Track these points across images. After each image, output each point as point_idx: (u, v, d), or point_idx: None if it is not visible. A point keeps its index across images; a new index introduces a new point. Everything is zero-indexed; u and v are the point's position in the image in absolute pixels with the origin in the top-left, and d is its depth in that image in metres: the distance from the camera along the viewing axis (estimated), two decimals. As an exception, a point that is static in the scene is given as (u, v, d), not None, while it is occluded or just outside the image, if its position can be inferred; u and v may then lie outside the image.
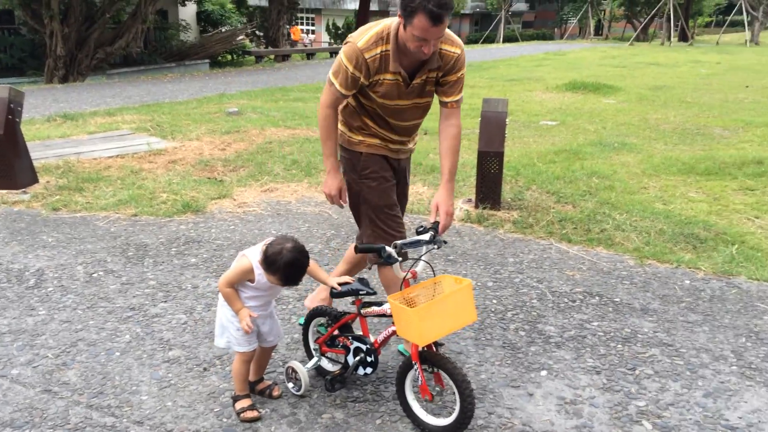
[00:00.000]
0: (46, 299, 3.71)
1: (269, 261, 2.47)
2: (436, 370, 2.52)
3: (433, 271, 2.79)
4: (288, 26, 26.06)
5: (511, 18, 43.86)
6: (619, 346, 3.25)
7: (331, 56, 24.69)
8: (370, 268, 3.36)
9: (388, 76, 2.73)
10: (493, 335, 3.35)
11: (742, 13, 35.90)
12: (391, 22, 2.71)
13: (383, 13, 42.93)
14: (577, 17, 41.80)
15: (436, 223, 2.73)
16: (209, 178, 6.23)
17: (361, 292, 2.68)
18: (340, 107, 2.93)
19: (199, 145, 7.56)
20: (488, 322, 3.48)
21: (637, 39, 36.33)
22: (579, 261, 4.33)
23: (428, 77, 2.79)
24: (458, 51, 2.77)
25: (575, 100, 11.41)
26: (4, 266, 4.18)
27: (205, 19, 22.18)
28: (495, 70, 18.21)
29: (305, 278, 2.60)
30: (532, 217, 5.09)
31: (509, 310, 3.61)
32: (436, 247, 2.65)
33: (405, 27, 2.58)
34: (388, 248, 2.55)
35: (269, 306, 2.74)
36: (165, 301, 3.71)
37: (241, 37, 22.54)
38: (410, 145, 3.09)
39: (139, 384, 2.89)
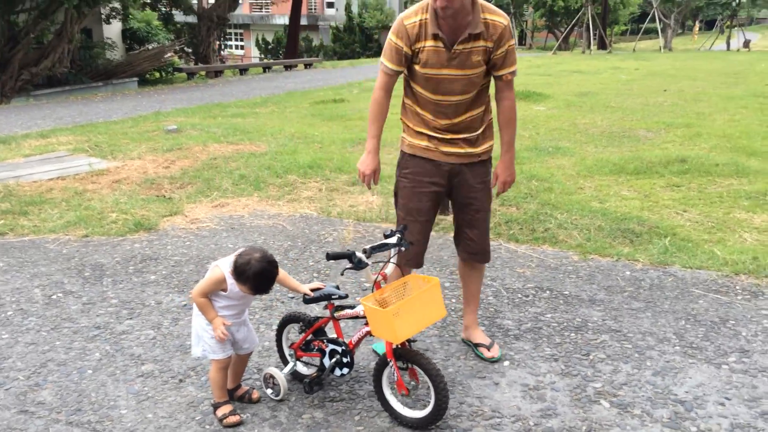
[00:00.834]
0: (7, 323, 3.66)
1: (239, 272, 2.57)
2: (410, 365, 2.66)
3: (401, 272, 2.94)
4: (218, 42, 25.84)
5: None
6: (573, 334, 3.48)
7: (265, 71, 24.61)
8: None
9: (429, 43, 2.81)
10: (456, 332, 3.53)
11: (655, 21, 37.80)
12: None
13: (313, 27, 43.08)
14: (502, 28, 42.91)
15: (403, 226, 2.88)
16: (158, 196, 6.21)
17: (333, 297, 2.81)
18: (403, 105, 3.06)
19: (142, 163, 7.50)
20: (450, 320, 3.66)
21: (560, 48, 37.71)
22: (528, 259, 4.57)
23: (474, 47, 2.81)
24: (504, 21, 2.84)
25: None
26: (-45, 293, 4.09)
27: (130, 36, 21.74)
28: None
29: (277, 287, 2.71)
30: (479, 220, 5.32)
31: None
32: (403, 249, 2.81)
33: None
34: (358, 253, 2.69)
35: (243, 314, 2.83)
36: (130, 318, 3.73)
37: (169, 54, 22.23)
38: (465, 146, 3.00)
39: (116, 399, 2.92)
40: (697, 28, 45.84)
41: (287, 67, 25.17)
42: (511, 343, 3.40)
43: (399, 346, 2.63)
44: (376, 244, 2.76)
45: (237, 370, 2.91)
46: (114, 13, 19.76)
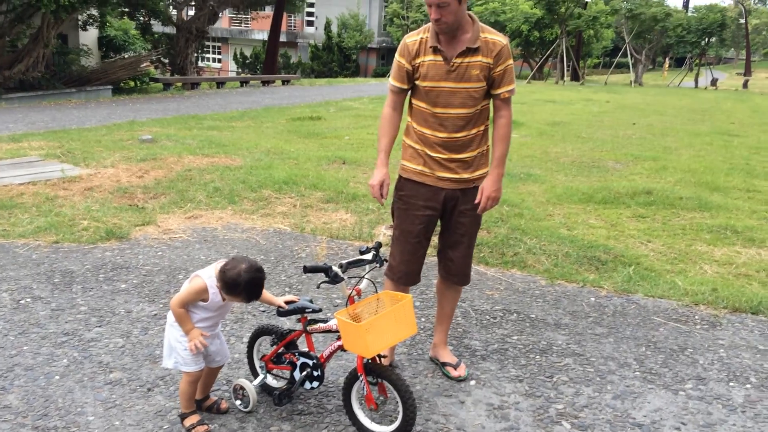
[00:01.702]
0: (-27, 326, 3.63)
1: (230, 285, 2.60)
2: (380, 380, 2.72)
3: (375, 288, 3.00)
4: (196, 54, 25.83)
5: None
6: (538, 356, 3.57)
7: (242, 85, 24.63)
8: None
9: (428, 57, 2.96)
10: (424, 350, 3.60)
11: (627, 56, 38.78)
12: None
13: (291, 44, 43.26)
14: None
15: (378, 243, 2.95)
16: (130, 205, 6.19)
17: (307, 310, 2.86)
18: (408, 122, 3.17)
19: (115, 172, 7.47)
20: (419, 339, 3.72)
21: (534, 77, 38.45)
22: (496, 282, 4.67)
23: (472, 61, 2.93)
24: (503, 41, 2.98)
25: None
26: None
27: (107, 44, 21.60)
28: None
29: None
30: (450, 242, 5.42)
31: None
32: (377, 265, 2.88)
33: None
34: (334, 268, 2.75)
35: (217, 327, 2.86)
36: (100, 326, 3.72)
37: (145, 64, 22.14)
38: (460, 171, 3.07)
39: (83, 405, 2.92)
40: (667, 65, 47.13)
41: (265, 83, 25.22)
42: (477, 363, 3.47)
43: (370, 360, 2.68)
44: (352, 259, 2.82)
45: (207, 381, 2.93)
46: (91, 20, 19.63)
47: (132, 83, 21.85)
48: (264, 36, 37.31)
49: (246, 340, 3.58)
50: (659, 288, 4.58)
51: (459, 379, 3.27)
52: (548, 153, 10.26)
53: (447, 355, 3.38)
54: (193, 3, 25.23)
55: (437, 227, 3.27)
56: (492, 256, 5.15)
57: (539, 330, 3.90)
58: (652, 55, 44.99)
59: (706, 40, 40.23)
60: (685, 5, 54.51)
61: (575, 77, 38.56)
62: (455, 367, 3.31)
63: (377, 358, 2.70)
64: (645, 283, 4.67)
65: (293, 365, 2.91)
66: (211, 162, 8.16)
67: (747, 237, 5.80)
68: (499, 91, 3.03)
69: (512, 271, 4.89)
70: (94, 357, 3.36)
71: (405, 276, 3.22)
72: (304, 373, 2.86)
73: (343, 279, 2.75)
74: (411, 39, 3.01)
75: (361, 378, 2.70)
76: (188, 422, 2.77)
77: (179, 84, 22.09)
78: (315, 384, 2.87)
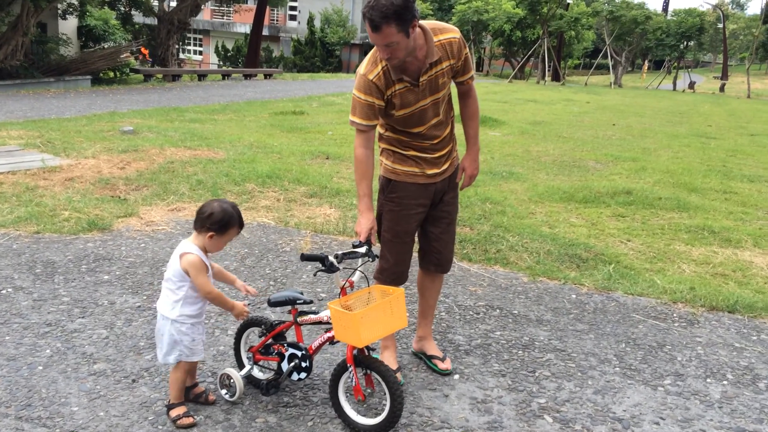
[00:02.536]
0: (-47, 316, 3.59)
1: (224, 222, 2.69)
2: (368, 372, 2.75)
3: (368, 281, 3.02)
4: (177, 45, 25.58)
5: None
6: (520, 352, 3.62)
7: (224, 78, 24.47)
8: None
9: (398, 86, 2.88)
10: (408, 345, 3.63)
11: (607, 58, 39.15)
12: None
13: (274, 38, 43.03)
14: (461, 53, 43.74)
15: (369, 241, 2.95)
16: (112, 197, 6.14)
17: (298, 301, 2.88)
18: (380, 145, 3.12)
19: (96, 162, 7.40)
20: (403, 333, 3.75)
21: (515, 77, 38.67)
22: (480, 278, 4.71)
23: (438, 71, 2.90)
24: (456, 35, 2.92)
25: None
26: None
27: (86, 34, 21.32)
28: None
29: (227, 288, 2.76)
30: (434, 238, 5.45)
31: (421, 322, 3.90)
32: (369, 259, 2.89)
33: None
34: (330, 257, 2.76)
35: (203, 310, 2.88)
36: (83, 317, 3.69)
37: (125, 55, 21.89)
38: (444, 163, 3.12)
39: (67, 396, 2.91)
40: (646, 67, 47.68)
41: (247, 76, 25.09)
42: (461, 357, 3.51)
43: (358, 352, 2.71)
44: (346, 250, 2.84)
45: (194, 365, 2.92)
46: (71, 9, 19.38)
47: (112, 74, 21.62)
48: (246, 29, 37.10)
49: (231, 332, 3.59)
50: (639, 286, 4.65)
51: (446, 372, 3.30)
52: (530, 152, 10.34)
53: (434, 348, 3.41)
54: (175, -6, 25.01)
55: None
56: (475, 252, 5.19)
57: (522, 326, 3.95)
58: (631, 57, 45.50)
59: (685, 43, 40.77)
60: (665, 9, 55.19)
61: (556, 77, 38.86)
62: (442, 360, 3.34)
63: (365, 350, 2.73)
64: (625, 281, 4.75)
65: (281, 356, 2.93)
66: (194, 155, 8.11)
67: (724, 237, 5.91)
68: (463, 78, 3.07)
69: (495, 268, 4.94)
70: (77, 348, 3.34)
71: (400, 276, 3.22)
72: (292, 364, 2.88)
73: (338, 269, 2.77)
74: (373, 74, 2.84)
75: (350, 369, 2.72)
76: (174, 413, 2.77)
77: (160, 76, 21.89)
78: (303, 375, 2.89)
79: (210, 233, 2.69)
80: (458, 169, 3.24)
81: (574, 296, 4.47)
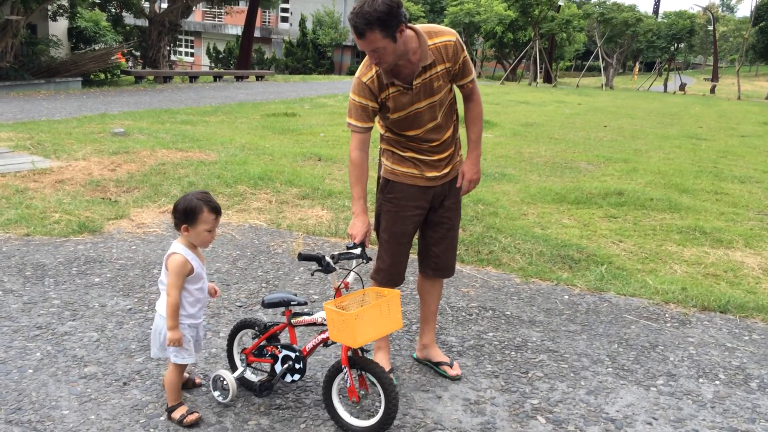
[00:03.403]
0: (-58, 319, 3.55)
1: (188, 209, 2.67)
2: (362, 373, 2.74)
3: (362, 283, 3.01)
4: (168, 47, 25.47)
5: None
6: (513, 353, 3.62)
7: (215, 80, 24.41)
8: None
9: (392, 89, 2.88)
10: (402, 346, 3.62)
11: (598, 59, 39.31)
12: None
13: (266, 40, 42.97)
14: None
15: (363, 243, 2.94)
16: (103, 199, 6.11)
17: (292, 303, 2.86)
18: (380, 146, 3.12)
19: (86, 165, 7.35)
20: (396, 335, 3.74)
21: (507, 79, 38.76)
22: (472, 279, 4.71)
23: (432, 74, 2.89)
24: (452, 38, 2.89)
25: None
26: None
27: (77, 35, 21.23)
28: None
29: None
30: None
31: (414, 324, 3.90)
32: (364, 261, 2.89)
33: None
34: (327, 258, 2.75)
35: (203, 310, 2.86)
36: (73, 320, 3.67)
37: (116, 56, 21.81)
38: (445, 167, 3.10)
39: (58, 399, 2.88)
40: (637, 69, 47.91)
41: (238, 78, 25.04)
42: (454, 358, 3.49)
43: (353, 354, 2.70)
44: (342, 251, 2.83)
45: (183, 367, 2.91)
46: (61, 11, 19.28)
47: (102, 75, 21.52)
48: (238, 31, 37.02)
49: (223, 334, 3.58)
50: (631, 287, 4.66)
51: (456, 378, 3.28)
52: (522, 153, 10.36)
53: (440, 355, 3.39)
54: (166, -4, 24.92)
55: None
56: (468, 253, 5.19)
57: (514, 327, 3.95)
58: (622, 59, 45.71)
59: (676, 45, 41.05)
60: (656, 11, 55.51)
61: (548, 79, 38.98)
62: (451, 365, 3.32)
63: (360, 352, 2.72)
64: (617, 281, 4.75)
65: (275, 358, 2.91)
66: (185, 156, 8.08)
67: (715, 238, 5.94)
68: (463, 82, 3.05)
69: (487, 269, 4.94)
70: (68, 351, 3.32)
71: (396, 278, 3.21)
72: (286, 365, 2.87)
73: (335, 269, 2.76)
74: (367, 78, 2.87)
75: (345, 370, 2.71)
76: (178, 413, 2.74)
77: (151, 77, 21.81)
78: (296, 377, 2.87)
79: (183, 225, 2.69)
80: (459, 174, 3.24)
81: (566, 297, 4.48)
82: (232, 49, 36.87)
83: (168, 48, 25.29)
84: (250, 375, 3.07)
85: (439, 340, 3.70)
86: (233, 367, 3.11)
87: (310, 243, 5.30)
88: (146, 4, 24.47)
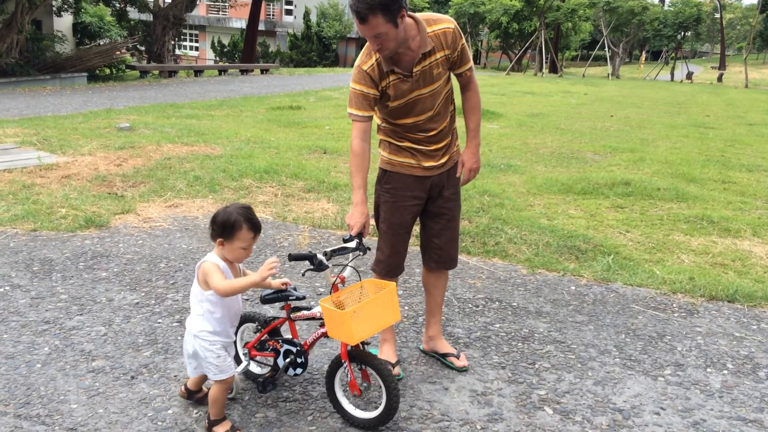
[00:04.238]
0: (-50, 314, 3.57)
1: (227, 224, 2.56)
2: (363, 367, 2.73)
3: (359, 276, 3.01)
4: (173, 42, 25.47)
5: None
6: (520, 344, 3.61)
7: (220, 74, 24.39)
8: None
9: (392, 77, 2.87)
10: (408, 338, 3.62)
11: (604, 49, 39.07)
12: None
13: (270, 33, 42.91)
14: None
15: (360, 234, 2.93)
16: (109, 194, 6.12)
17: (291, 298, 2.86)
18: (379, 136, 3.11)
19: (93, 160, 7.37)
20: (402, 327, 3.74)
21: (513, 69, 38.60)
22: (479, 271, 4.70)
23: (432, 61, 2.88)
24: (451, 25, 2.90)
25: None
26: None
27: (81, 31, 21.26)
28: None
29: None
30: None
31: (420, 315, 3.90)
32: (361, 254, 2.88)
33: None
34: (319, 255, 2.75)
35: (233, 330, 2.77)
36: (81, 314, 3.68)
37: (122, 51, 21.83)
38: (442, 157, 3.10)
39: (66, 393, 2.90)
40: (644, 58, 47.60)
41: (243, 72, 25.03)
42: (461, 350, 3.49)
43: (353, 347, 2.70)
44: (336, 247, 2.83)
45: (203, 378, 2.84)
46: (66, 6, 19.30)
47: (108, 70, 21.55)
48: (242, 24, 36.97)
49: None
50: (638, 277, 4.64)
51: (463, 370, 3.28)
52: (528, 144, 10.32)
53: (446, 347, 3.39)
54: (170, -10, 24.87)
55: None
56: (474, 245, 5.18)
57: (521, 318, 3.95)
58: (629, 48, 45.41)
59: (682, 34, 40.70)
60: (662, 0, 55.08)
61: (554, 69, 38.78)
62: (457, 357, 3.31)
63: (360, 345, 2.72)
64: (624, 272, 4.74)
65: (277, 352, 2.91)
66: (191, 150, 8.09)
67: (723, 227, 5.90)
68: (461, 70, 3.04)
69: (494, 260, 4.93)
70: (75, 345, 3.33)
71: (395, 268, 3.21)
72: (288, 359, 2.87)
73: (327, 266, 2.75)
74: (366, 65, 2.86)
75: (345, 364, 2.71)
76: (221, 429, 2.65)
77: (156, 72, 21.82)
78: (299, 371, 2.88)
79: (219, 239, 2.60)
80: (458, 163, 3.22)
81: (573, 288, 4.46)
82: (236, 43, 36.83)
83: (172, 42, 25.29)
84: (255, 368, 3.07)
85: (445, 332, 3.70)
86: (238, 361, 3.11)
87: (316, 236, 5.30)
88: (150, -1, 24.47)
